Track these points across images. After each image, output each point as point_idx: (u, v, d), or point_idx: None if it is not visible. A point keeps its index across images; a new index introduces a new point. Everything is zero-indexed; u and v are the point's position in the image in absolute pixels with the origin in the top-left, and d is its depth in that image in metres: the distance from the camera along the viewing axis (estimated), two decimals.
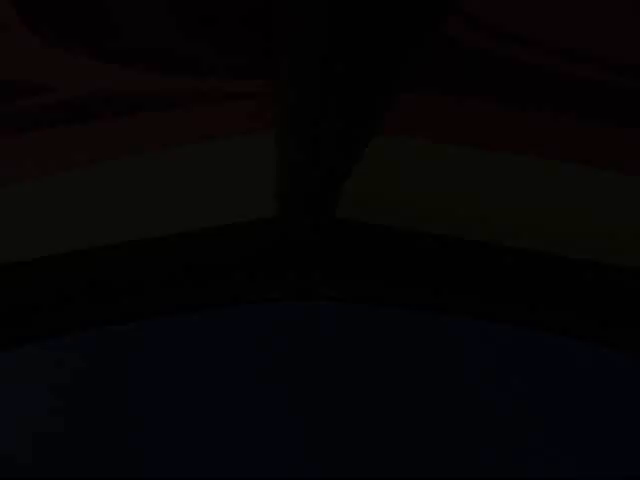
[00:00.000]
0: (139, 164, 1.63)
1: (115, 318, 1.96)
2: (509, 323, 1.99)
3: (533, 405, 3.43)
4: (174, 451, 3.85)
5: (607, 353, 3.26)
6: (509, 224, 1.95)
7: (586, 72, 1.32)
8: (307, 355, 3.97)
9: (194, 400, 3.88)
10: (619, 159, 1.63)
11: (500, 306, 1.97)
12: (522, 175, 1.76)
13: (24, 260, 1.88)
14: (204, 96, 1.37)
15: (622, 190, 1.72)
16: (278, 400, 3.97)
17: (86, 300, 1.93)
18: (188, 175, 1.76)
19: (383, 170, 1.77)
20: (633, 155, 1.59)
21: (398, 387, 3.80)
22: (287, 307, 2.00)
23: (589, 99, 1.40)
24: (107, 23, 1.10)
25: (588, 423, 3.58)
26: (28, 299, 1.88)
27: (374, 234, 1.93)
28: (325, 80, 1.04)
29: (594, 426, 3.55)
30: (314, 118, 1.16)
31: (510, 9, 1.23)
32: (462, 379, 3.88)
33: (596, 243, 1.92)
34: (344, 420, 3.73)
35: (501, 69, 1.34)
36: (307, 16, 0.91)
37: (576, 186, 1.78)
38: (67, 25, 1.11)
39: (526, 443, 3.24)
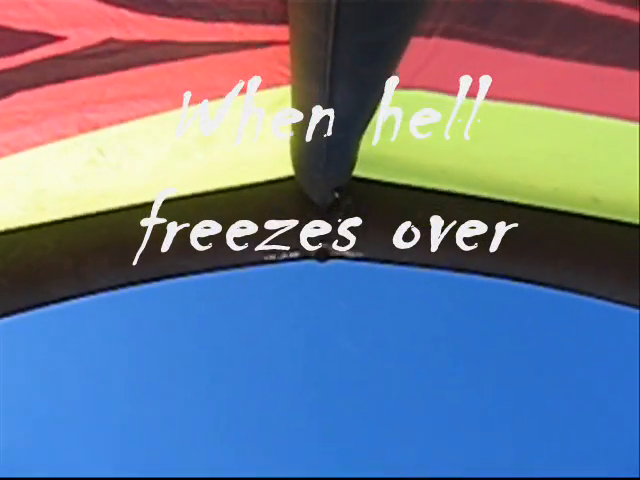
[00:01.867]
0: (153, 122, 1.60)
1: (131, 281, 1.95)
2: (524, 281, 1.96)
3: None
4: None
5: None
6: (525, 183, 1.92)
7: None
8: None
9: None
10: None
11: (516, 265, 1.94)
12: (542, 130, 1.73)
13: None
14: (217, 45, 1.34)
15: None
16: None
17: (103, 263, 1.93)
18: (203, 134, 1.73)
19: (400, 126, 1.74)
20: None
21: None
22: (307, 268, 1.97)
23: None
24: None
25: None
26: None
27: (392, 193, 1.91)
28: (339, 21, 1.02)
29: None
30: (330, 61, 1.13)
31: None
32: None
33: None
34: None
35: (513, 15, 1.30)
36: None
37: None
38: None
39: None
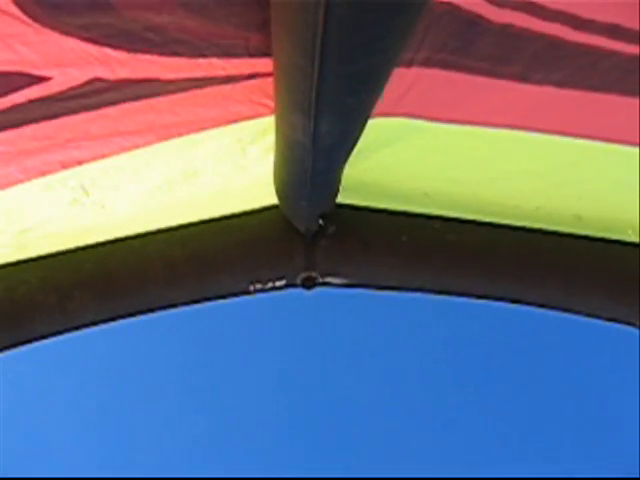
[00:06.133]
0: (137, 156, 1.60)
1: (117, 315, 1.93)
2: (511, 302, 1.97)
3: None
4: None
5: None
6: (508, 204, 1.95)
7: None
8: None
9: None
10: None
11: (503, 286, 1.95)
12: (523, 152, 1.75)
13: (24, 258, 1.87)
14: (200, 81, 1.34)
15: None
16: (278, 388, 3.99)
17: (89, 297, 1.91)
18: (187, 165, 1.74)
19: (382, 153, 1.76)
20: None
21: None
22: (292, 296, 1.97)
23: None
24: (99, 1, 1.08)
25: None
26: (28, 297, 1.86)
27: (376, 218, 1.92)
28: (324, 52, 1.03)
29: None
30: (315, 92, 1.14)
31: None
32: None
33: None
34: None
35: (500, 41, 1.32)
36: None
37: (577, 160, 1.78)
38: (60, 4, 1.09)
39: None
